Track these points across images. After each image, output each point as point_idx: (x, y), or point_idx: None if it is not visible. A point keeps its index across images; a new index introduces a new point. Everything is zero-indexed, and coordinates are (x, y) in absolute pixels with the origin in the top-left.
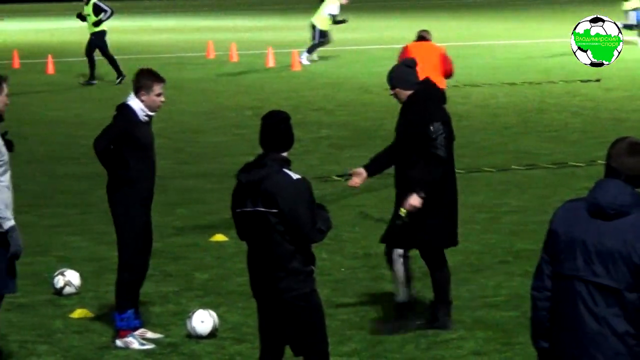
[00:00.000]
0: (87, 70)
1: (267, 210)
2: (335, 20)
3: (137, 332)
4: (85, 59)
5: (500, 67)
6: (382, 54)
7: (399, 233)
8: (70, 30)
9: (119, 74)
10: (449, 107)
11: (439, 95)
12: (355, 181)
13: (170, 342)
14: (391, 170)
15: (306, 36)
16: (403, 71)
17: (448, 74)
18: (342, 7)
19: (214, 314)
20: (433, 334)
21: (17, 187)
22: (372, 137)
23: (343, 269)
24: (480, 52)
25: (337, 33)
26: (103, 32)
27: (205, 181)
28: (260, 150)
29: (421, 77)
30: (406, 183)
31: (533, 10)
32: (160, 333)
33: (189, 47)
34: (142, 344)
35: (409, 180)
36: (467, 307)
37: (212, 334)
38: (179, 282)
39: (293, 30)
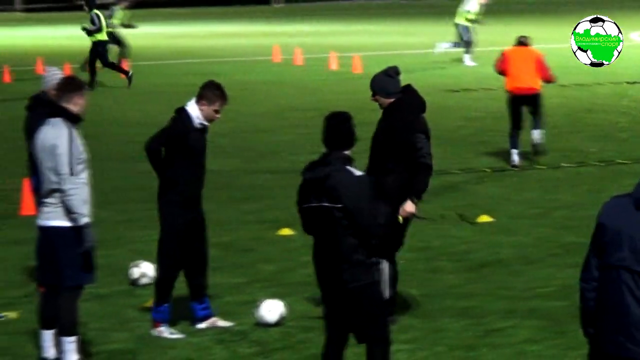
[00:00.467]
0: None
1: (331, 205)
2: (468, 19)
3: (209, 321)
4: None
5: (553, 69)
6: (438, 58)
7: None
8: (143, 35)
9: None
10: (505, 108)
11: (420, 105)
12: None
13: (240, 330)
14: (456, 170)
15: (367, 41)
16: (383, 80)
17: (546, 79)
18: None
19: (281, 303)
20: (488, 322)
21: (94, 184)
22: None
23: (402, 261)
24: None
25: (397, 37)
26: (103, 42)
27: (272, 178)
28: (324, 149)
29: (516, 81)
30: (379, 189)
31: (581, 14)
32: (231, 321)
33: (256, 52)
34: (172, 333)
35: (382, 186)
36: (520, 298)
37: (279, 322)
38: (248, 273)
39: (354, 34)
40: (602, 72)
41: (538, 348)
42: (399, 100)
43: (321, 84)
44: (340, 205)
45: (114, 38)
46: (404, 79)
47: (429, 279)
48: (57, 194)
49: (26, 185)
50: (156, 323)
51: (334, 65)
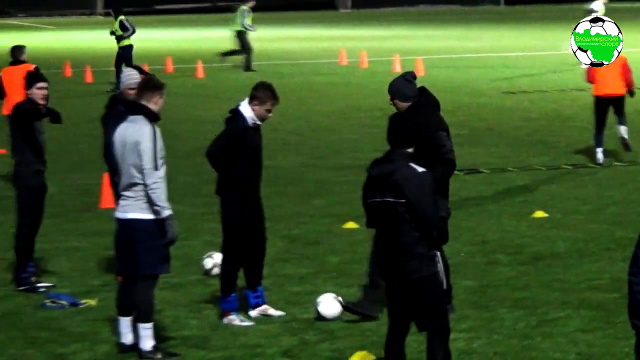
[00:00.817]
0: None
1: (395, 200)
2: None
3: (260, 309)
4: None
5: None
6: (495, 62)
7: None
8: (219, 39)
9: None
10: (560, 109)
11: (435, 105)
12: None
13: (307, 319)
14: (513, 168)
15: (429, 45)
16: (401, 84)
17: (628, 83)
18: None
19: (340, 299)
20: (542, 313)
21: (170, 179)
22: (488, 136)
23: (462, 254)
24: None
25: (456, 41)
26: (130, 47)
27: (338, 174)
28: (388, 147)
29: (603, 88)
30: None
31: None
32: (298, 310)
33: (324, 55)
34: (242, 321)
35: None
36: (573, 289)
37: (339, 317)
38: (315, 264)
39: (417, 39)
40: None
41: (589, 337)
42: (417, 103)
43: (385, 86)
44: (403, 200)
45: (242, 40)
46: (464, 81)
47: (486, 271)
48: (136, 188)
49: (105, 179)
50: (225, 312)
51: (397, 68)
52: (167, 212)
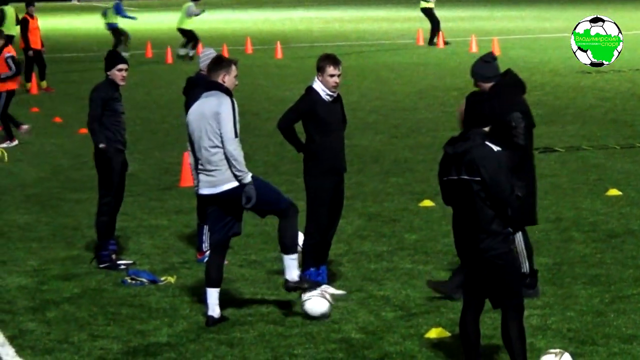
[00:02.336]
0: (312, 59)
1: (470, 178)
2: None
3: (321, 288)
4: None
5: None
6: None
7: None
8: (299, 20)
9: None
10: (634, 88)
11: (520, 86)
12: None
13: (384, 295)
14: (587, 146)
15: (505, 25)
16: (481, 66)
17: None
18: None
19: (327, 304)
20: (616, 290)
21: (250, 157)
22: (563, 115)
23: (537, 232)
24: None
25: (533, 22)
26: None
27: (416, 153)
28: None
29: None
30: None
31: None
32: (375, 287)
33: (401, 35)
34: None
35: None
36: None
37: (324, 317)
38: (392, 242)
39: (494, 20)
40: None
41: None
42: (498, 84)
43: (462, 66)
44: (478, 178)
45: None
46: (539, 61)
47: (561, 248)
48: (215, 161)
49: (185, 159)
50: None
51: (474, 48)
52: (248, 177)
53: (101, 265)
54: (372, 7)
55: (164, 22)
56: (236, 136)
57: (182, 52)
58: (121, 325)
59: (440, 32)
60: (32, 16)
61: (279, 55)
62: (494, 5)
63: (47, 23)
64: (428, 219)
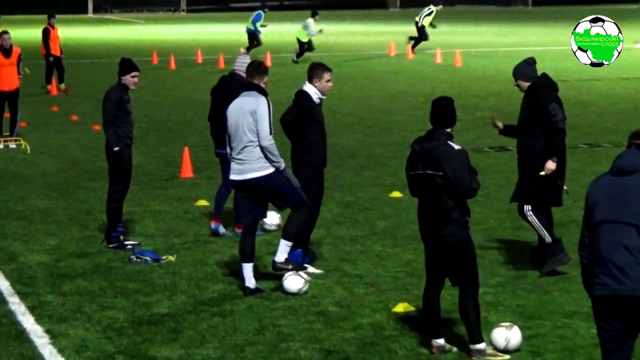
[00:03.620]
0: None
1: (434, 173)
2: None
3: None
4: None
5: (618, 65)
6: (524, 55)
7: (521, 191)
8: (286, 33)
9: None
10: (579, 96)
11: (553, 86)
12: (495, 121)
13: (358, 274)
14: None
15: (468, 39)
16: (524, 67)
17: None
18: None
19: (302, 280)
20: (560, 271)
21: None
22: (515, 118)
23: (492, 220)
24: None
25: (493, 37)
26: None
27: (387, 150)
28: (430, 127)
29: None
30: (528, 151)
31: None
32: (349, 267)
33: (376, 47)
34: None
35: (531, 148)
36: None
37: (299, 292)
38: (365, 228)
39: (457, 34)
40: None
41: None
42: (536, 83)
43: (429, 75)
44: (441, 173)
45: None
46: (496, 71)
47: (514, 235)
48: (249, 151)
49: (186, 152)
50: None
51: (439, 59)
52: (283, 165)
53: (110, 245)
54: (351, 22)
55: (168, 33)
56: (271, 133)
57: (296, 58)
58: (127, 298)
59: (410, 45)
60: (52, 26)
61: (269, 63)
62: (457, 21)
63: (66, 33)
64: (397, 208)
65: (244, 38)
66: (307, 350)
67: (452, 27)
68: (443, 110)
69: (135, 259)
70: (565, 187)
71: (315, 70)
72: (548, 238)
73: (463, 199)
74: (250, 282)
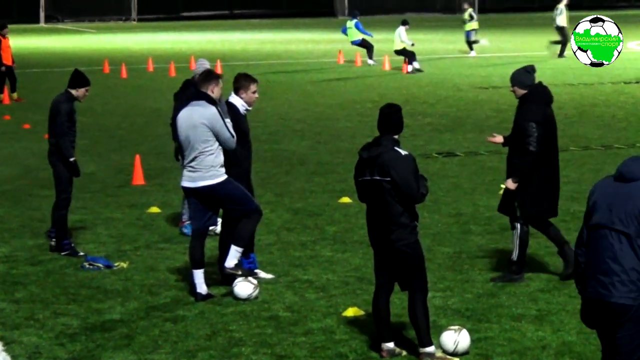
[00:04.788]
0: None
1: (382, 178)
2: None
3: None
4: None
5: (563, 71)
6: (471, 61)
7: (505, 204)
8: (236, 41)
9: None
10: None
11: (546, 98)
12: (493, 140)
13: (308, 279)
14: (485, 152)
15: (415, 47)
16: (521, 74)
17: None
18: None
19: (252, 286)
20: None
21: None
22: (463, 124)
23: (440, 225)
24: (547, 60)
25: (439, 44)
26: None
27: (336, 156)
28: (378, 134)
29: None
30: (509, 164)
31: None
32: (300, 272)
33: (325, 55)
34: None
35: (511, 161)
36: (535, 255)
37: (249, 298)
38: (315, 233)
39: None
40: (603, 74)
41: (547, 296)
42: (529, 93)
43: (377, 82)
44: (389, 179)
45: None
46: (443, 78)
47: (461, 239)
48: (199, 161)
49: (137, 160)
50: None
51: (387, 67)
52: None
53: (63, 253)
54: (300, 30)
55: (120, 42)
56: (233, 136)
57: (414, 66)
58: (80, 305)
59: (358, 53)
60: (4, 36)
61: (219, 71)
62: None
63: (18, 42)
64: (346, 213)
65: (195, 47)
66: (258, 355)
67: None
68: (390, 117)
69: (87, 266)
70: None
71: (242, 82)
72: (515, 255)
73: (411, 203)
74: (202, 287)
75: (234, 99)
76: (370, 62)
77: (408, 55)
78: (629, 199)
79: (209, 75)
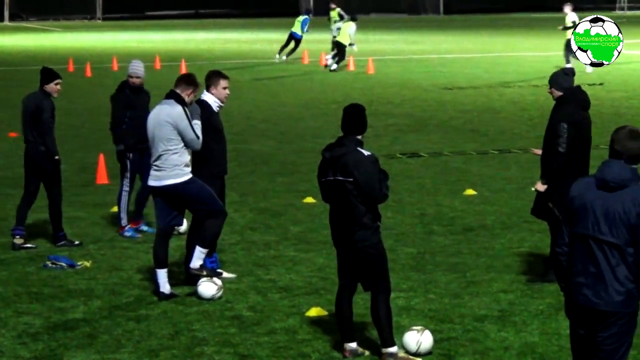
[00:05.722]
0: None
1: (344, 179)
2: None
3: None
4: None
5: (528, 72)
6: (436, 62)
7: (538, 206)
8: (201, 40)
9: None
10: (489, 103)
11: (582, 101)
12: (536, 152)
13: (271, 279)
14: (449, 152)
15: (380, 47)
16: (560, 76)
17: None
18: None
19: (216, 287)
20: (471, 276)
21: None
22: (428, 125)
23: (404, 225)
24: (512, 61)
25: (403, 45)
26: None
27: (300, 156)
28: (342, 134)
29: None
30: (541, 165)
31: (553, 28)
32: (263, 272)
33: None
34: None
35: (544, 164)
36: (497, 256)
37: (213, 298)
38: (278, 233)
39: (370, 42)
40: None
41: (510, 297)
42: (565, 95)
43: (342, 82)
44: (351, 179)
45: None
46: (408, 78)
47: (425, 239)
48: (165, 159)
49: (101, 159)
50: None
51: (352, 67)
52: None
53: (59, 244)
54: (266, 30)
55: (84, 41)
56: (198, 138)
57: (330, 64)
58: (43, 304)
59: (323, 53)
60: None
61: (184, 70)
62: (369, 30)
63: None
64: (310, 213)
65: (160, 46)
66: (221, 354)
67: (364, 35)
68: (354, 117)
69: (50, 265)
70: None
71: (212, 78)
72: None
73: (374, 204)
74: (165, 287)
75: (206, 96)
76: (276, 58)
77: (340, 51)
78: (618, 208)
79: (188, 79)
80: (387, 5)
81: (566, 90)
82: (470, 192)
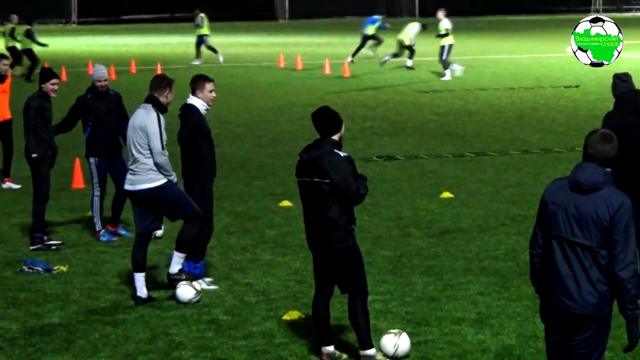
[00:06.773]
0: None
1: (320, 180)
2: None
3: (198, 280)
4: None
5: (503, 75)
6: (413, 65)
7: None
8: (177, 44)
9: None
10: (465, 106)
11: (633, 106)
12: None
13: (248, 282)
14: (425, 155)
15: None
16: (613, 83)
17: None
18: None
19: (194, 291)
20: (447, 279)
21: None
22: (404, 127)
23: (380, 228)
24: (488, 63)
25: (380, 48)
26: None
27: (277, 160)
28: (318, 136)
29: None
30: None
31: (529, 31)
32: (240, 276)
33: (265, 59)
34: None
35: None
36: (474, 259)
37: (190, 302)
38: (255, 236)
39: (346, 45)
40: (543, 78)
41: (487, 300)
42: (616, 101)
43: (317, 85)
44: (327, 181)
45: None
46: (384, 82)
47: (401, 242)
48: (140, 164)
49: (77, 163)
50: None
51: (327, 70)
52: (175, 178)
53: (32, 247)
54: (241, 33)
55: (60, 45)
56: (163, 148)
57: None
58: (19, 308)
59: (299, 56)
60: None
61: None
62: (345, 33)
63: None
64: (287, 217)
65: (136, 50)
66: (199, 358)
67: (340, 38)
68: (321, 119)
69: (27, 270)
70: None
71: (198, 82)
72: None
73: (351, 205)
74: (142, 291)
75: (193, 100)
76: (196, 61)
77: (410, 51)
78: (591, 211)
79: (162, 82)
80: (365, 8)
81: (617, 96)
82: (446, 194)
